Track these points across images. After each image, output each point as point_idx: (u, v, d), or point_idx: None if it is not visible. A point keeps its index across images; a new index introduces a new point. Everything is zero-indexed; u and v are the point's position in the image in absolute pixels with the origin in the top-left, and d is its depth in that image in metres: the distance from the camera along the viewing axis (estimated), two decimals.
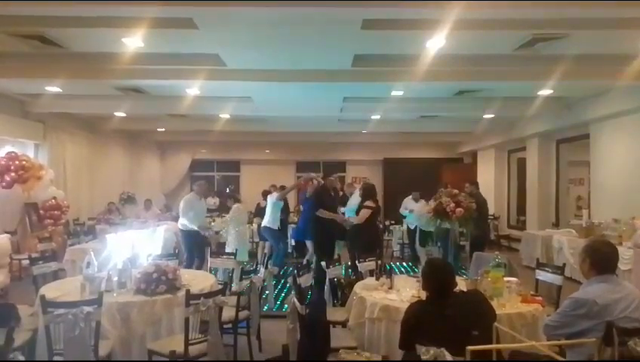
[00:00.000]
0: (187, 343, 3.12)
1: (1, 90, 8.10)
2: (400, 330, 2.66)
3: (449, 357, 2.12)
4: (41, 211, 7.96)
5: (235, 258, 5.24)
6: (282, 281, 7.47)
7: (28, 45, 5.74)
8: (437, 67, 6.10)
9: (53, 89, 7.72)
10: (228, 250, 6.56)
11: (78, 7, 4.36)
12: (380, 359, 2.84)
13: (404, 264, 9.22)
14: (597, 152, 8.54)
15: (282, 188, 8.97)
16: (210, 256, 5.47)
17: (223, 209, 11.23)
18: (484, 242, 7.30)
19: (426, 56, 5.80)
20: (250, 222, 9.64)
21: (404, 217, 9.54)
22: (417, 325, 2.54)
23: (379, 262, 4.43)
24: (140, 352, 3.31)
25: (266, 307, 5.31)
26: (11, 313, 3.07)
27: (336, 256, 5.67)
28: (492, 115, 9.82)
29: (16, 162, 7.67)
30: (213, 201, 13.20)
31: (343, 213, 7.38)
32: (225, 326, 3.78)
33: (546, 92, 7.73)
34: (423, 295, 2.91)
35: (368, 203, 6.05)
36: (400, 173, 14.61)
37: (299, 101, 8.72)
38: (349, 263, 5.34)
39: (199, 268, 6.26)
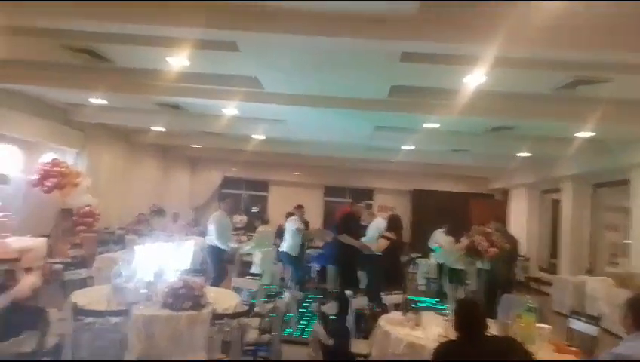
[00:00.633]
0: None
1: (49, 99, 8.47)
2: None
3: None
4: (75, 217, 8.19)
5: (260, 277, 5.23)
6: (303, 306, 7.39)
7: (77, 58, 6.01)
8: (473, 102, 6.06)
9: (96, 100, 8.03)
10: (253, 270, 6.56)
11: (129, 26, 4.56)
12: None
13: (430, 299, 9.01)
14: (638, 199, 8.23)
15: (300, 208, 8.83)
16: (235, 276, 5.48)
17: (249, 227, 11.29)
18: (512, 283, 7.07)
19: (462, 91, 5.79)
20: (276, 243, 9.64)
21: (433, 250, 9.35)
22: None
23: (405, 296, 4.34)
24: None
25: (287, 331, 5.25)
26: (42, 317, 3.13)
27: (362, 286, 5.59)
28: (526, 154, 9.65)
29: (57, 168, 7.96)
30: (240, 219, 13.30)
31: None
32: (246, 347, 3.76)
33: (584, 134, 7.56)
34: (450, 334, 2.82)
35: (388, 233, 5.94)
36: (428, 205, 14.43)
37: (331, 126, 8.79)
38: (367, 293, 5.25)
39: (218, 284, 6.27)
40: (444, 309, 4.65)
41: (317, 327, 3.14)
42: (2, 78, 6.69)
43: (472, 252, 6.15)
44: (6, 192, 7.15)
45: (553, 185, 11.38)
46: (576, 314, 4.27)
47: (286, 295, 5.44)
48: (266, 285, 5.82)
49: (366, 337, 4.09)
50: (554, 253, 11.37)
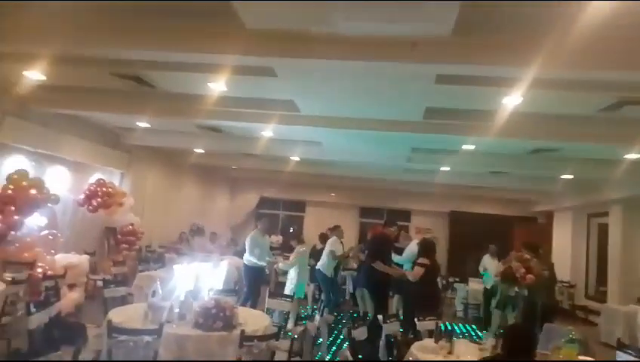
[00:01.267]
0: None
1: (97, 122, 8.92)
2: None
3: None
4: (119, 236, 8.49)
5: (292, 299, 5.23)
6: (334, 329, 7.31)
7: (125, 84, 6.34)
8: (512, 124, 5.93)
9: (142, 124, 8.40)
10: (287, 291, 6.58)
11: (172, 54, 4.79)
12: None
13: (467, 326, 8.71)
14: None
15: (336, 228, 8.81)
16: (269, 297, 5.51)
17: (285, 248, 11.35)
18: (556, 312, 6.73)
19: (501, 113, 5.67)
20: (310, 264, 9.64)
21: (482, 276, 9.04)
22: None
23: (439, 322, 4.23)
24: None
25: (318, 355, 5.20)
26: (81, 333, 3.26)
27: (394, 311, 5.46)
28: (570, 176, 9.29)
29: (103, 188, 8.32)
30: (276, 239, 13.42)
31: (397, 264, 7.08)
32: None
33: (634, 156, 7.21)
34: None
35: (422, 260, 5.77)
36: (466, 228, 14.08)
37: (367, 148, 8.80)
38: (402, 318, 5.13)
39: (254, 304, 6.31)
40: (480, 337, 4.50)
41: (346, 352, 3.10)
42: (55, 103, 7.14)
43: (509, 278, 5.93)
44: (54, 211, 7.50)
45: (600, 209, 10.85)
46: (624, 346, 4.02)
47: (317, 318, 5.40)
48: (300, 304, 5.79)
49: None
50: (601, 279, 10.77)
